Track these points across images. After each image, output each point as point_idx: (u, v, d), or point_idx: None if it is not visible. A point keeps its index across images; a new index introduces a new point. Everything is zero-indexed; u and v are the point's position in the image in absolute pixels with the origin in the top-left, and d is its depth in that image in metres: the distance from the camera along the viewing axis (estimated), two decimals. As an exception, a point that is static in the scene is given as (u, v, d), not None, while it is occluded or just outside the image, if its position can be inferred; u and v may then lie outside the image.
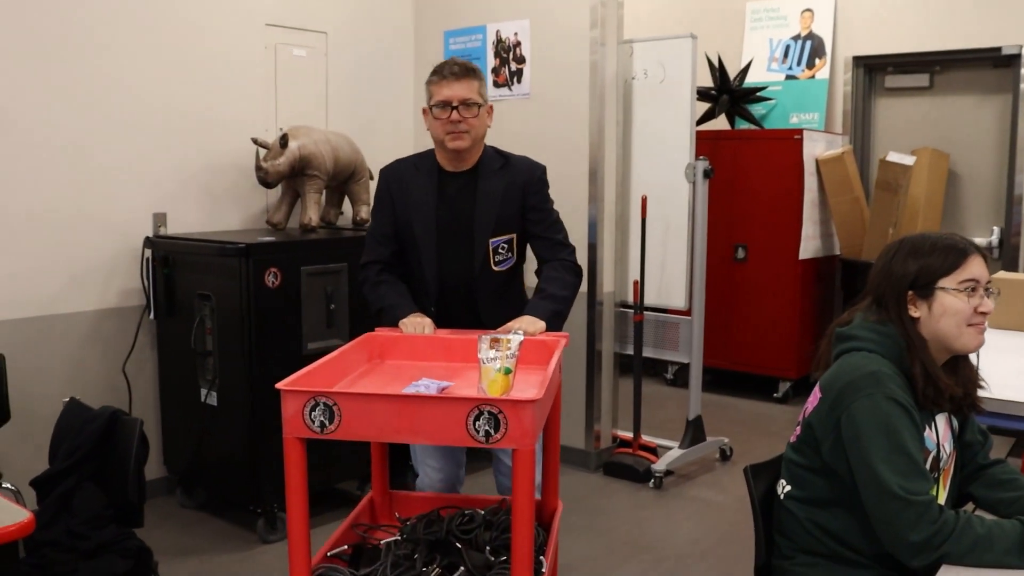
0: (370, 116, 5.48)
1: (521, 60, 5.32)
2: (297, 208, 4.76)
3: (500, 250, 3.09)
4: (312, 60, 5.20)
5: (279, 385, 2.16)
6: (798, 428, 2.21)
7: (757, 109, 7.24)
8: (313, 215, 4.61)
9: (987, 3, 6.51)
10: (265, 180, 4.51)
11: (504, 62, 5.41)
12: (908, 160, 6.23)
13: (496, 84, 5.39)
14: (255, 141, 4.54)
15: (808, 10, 7.28)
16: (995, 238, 6.67)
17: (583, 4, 5.01)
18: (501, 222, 3.07)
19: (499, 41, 5.41)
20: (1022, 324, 3.58)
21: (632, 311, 5.14)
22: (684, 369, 5.84)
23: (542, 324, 2.87)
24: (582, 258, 4.94)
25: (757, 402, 6.64)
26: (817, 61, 7.21)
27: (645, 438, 5.22)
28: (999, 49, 6.47)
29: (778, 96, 7.26)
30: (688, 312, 5.12)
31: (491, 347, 2.29)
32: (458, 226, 3.06)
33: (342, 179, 4.89)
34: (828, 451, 2.08)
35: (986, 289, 2.09)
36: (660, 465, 4.93)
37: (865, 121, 7.27)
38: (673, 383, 7.06)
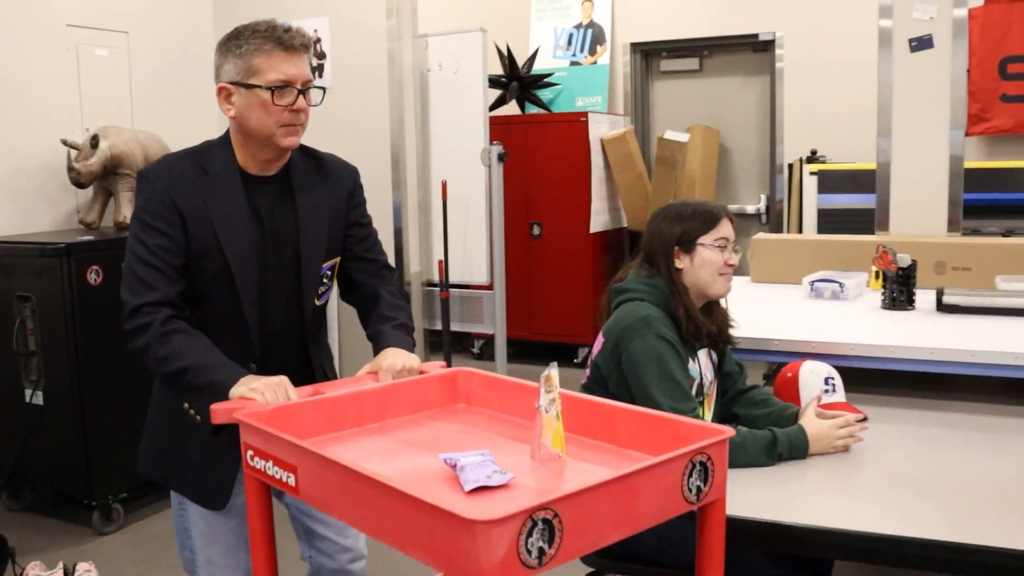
0: (175, 115, 5.60)
1: (322, 56, 5.57)
2: (110, 207, 4.86)
3: (324, 279, 2.40)
4: (115, 60, 5.29)
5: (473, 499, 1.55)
6: (588, 370, 2.62)
7: (545, 94, 7.71)
8: (127, 213, 4.74)
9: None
10: (78, 181, 4.61)
11: (304, 57, 5.64)
12: (683, 137, 6.82)
13: (297, 79, 5.63)
14: (65, 142, 4.64)
15: (588, 0, 7.79)
16: (762, 205, 7.39)
17: (379, 1, 5.30)
18: (331, 244, 2.38)
19: (299, 37, 5.64)
20: (779, 278, 4.11)
21: (438, 288, 5.50)
22: (490, 342, 6.23)
23: (417, 358, 2.28)
24: (389, 242, 5.29)
25: (560, 369, 7.07)
26: (598, 48, 7.74)
27: (459, 407, 5.58)
28: (757, 35, 7.18)
29: (564, 81, 7.76)
30: (490, 286, 5.52)
31: (546, 388, 1.76)
32: (280, 251, 2.31)
33: (153, 176, 5.02)
34: (613, 385, 2.48)
35: (733, 246, 2.55)
36: (474, 429, 5.30)
37: (644, 102, 7.87)
38: (480, 356, 7.46)
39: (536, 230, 7.14)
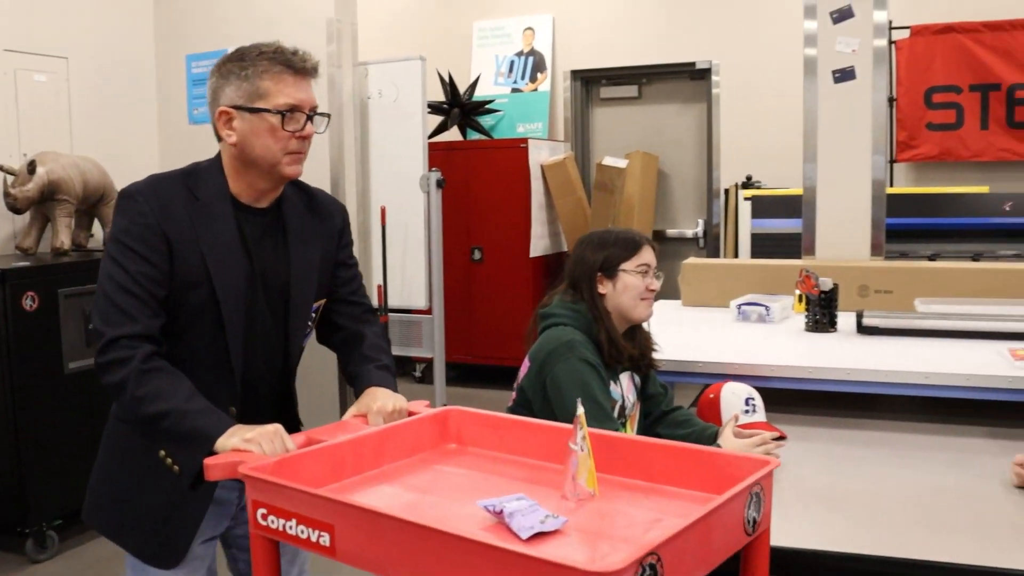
0: (115, 140, 5.60)
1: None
2: (47, 233, 4.86)
3: (310, 322, 2.28)
4: (53, 85, 5.28)
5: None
6: (514, 394, 2.68)
7: (487, 120, 7.80)
8: (65, 239, 4.74)
9: (683, 24, 7.37)
10: (15, 207, 4.60)
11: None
12: (621, 163, 6.94)
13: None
14: (1, 168, 4.63)
15: (530, 28, 7.91)
16: (700, 229, 7.52)
17: (319, 29, 5.36)
18: (320, 284, 2.26)
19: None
20: (709, 302, 4.21)
21: (379, 313, 5.54)
22: (431, 366, 6.28)
23: (403, 398, 2.14)
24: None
25: (499, 391, 7.11)
26: (539, 75, 7.85)
27: (399, 430, 5.61)
28: (694, 64, 7.33)
29: (505, 108, 7.85)
30: (429, 311, 5.57)
31: (579, 426, 1.68)
32: (269, 289, 2.16)
33: (91, 203, 5.02)
34: (538, 408, 2.55)
35: (655, 272, 2.64)
36: (414, 453, 5.34)
37: (584, 128, 7.99)
38: (421, 380, 7.50)
39: (477, 254, 7.21)
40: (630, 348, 2.62)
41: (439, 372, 5.59)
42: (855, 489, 2.44)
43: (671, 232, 7.69)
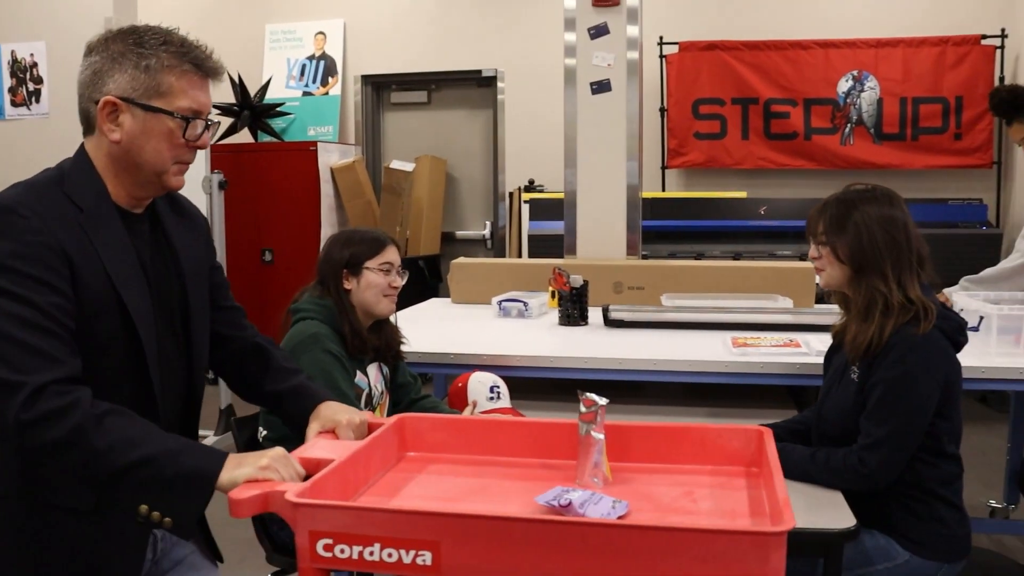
0: None
1: (39, 80, 5.52)
2: None
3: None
4: None
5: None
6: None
7: (278, 123, 7.85)
8: None
9: (471, 33, 7.65)
10: None
11: (21, 82, 5.58)
12: (408, 166, 7.13)
13: (14, 104, 5.56)
14: None
15: (321, 33, 7.99)
16: (487, 231, 7.80)
17: (98, 30, 5.30)
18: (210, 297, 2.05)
19: (15, 61, 5.58)
20: (476, 299, 4.42)
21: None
22: (220, 366, 6.30)
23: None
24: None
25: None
26: (330, 79, 7.95)
27: (184, 431, 5.64)
28: (480, 71, 7.61)
29: (296, 111, 7.92)
30: (215, 311, 5.62)
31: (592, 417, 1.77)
32: (169, 310, 1.89)
33: None
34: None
35: (397, 271, 2.82)
36: (198, 453, 5.38)
37: (374, 133, 8.15)
38: (214, 382, 7.47)
39: (268, 256, 7.25)
40: (375, 340, 2.80)
41: (224, 372, 5.65)
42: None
43: (460, 234, 7.93)
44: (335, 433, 1.92)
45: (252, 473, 1.60)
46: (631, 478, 1.84)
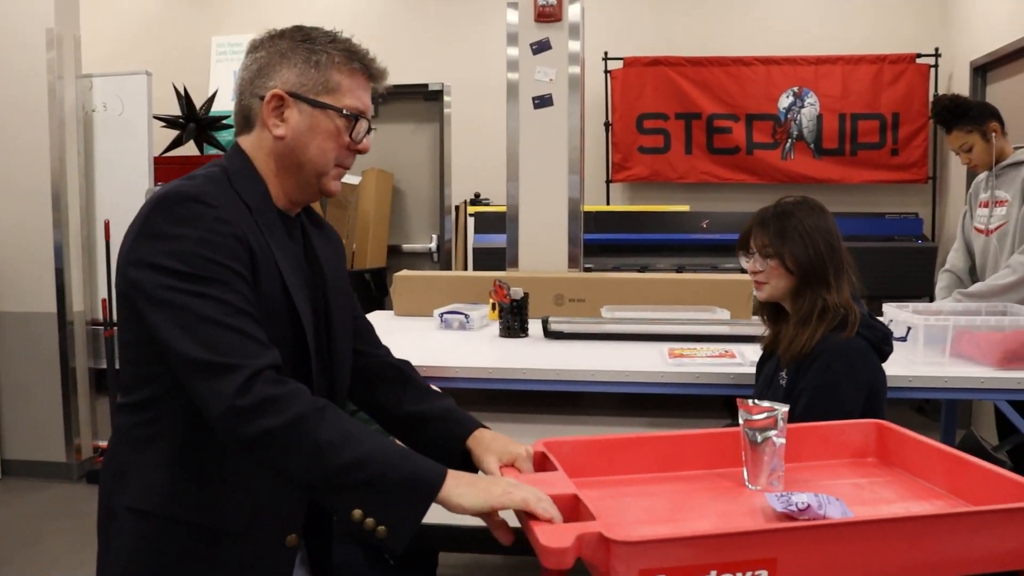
0: None
1: (-23, 91, 5.47)
2: None
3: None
4: None
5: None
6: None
7: (224, 136, 7.81)
8: None
9: (417, 47, 7.73)
10: None
11: (-40, 93, 5.52)
12: (354, 179, 7.15)
13: (-49, 115, 5.50)
14: None
15: (267, 45, 7.97)
16: (434, 244, 7.83)
17: (39, 39, 5.29)
18: None
19: (-47, 73, 5.52)
20: (418, 311, 4.43)
21: (103, 327, 5.51)
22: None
23: None
24: (50, 281, 5.28)
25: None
26: (277, 92, 7.93)
27: (126, 445, 5.59)
28: (427, 85, 7.64)
29: (243, 124, 7.89)
30: (157, 324, 5.59)
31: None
32: (321, 313, 1.82)
33: None
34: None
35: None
36: (140, 466, 5.34)
37: (322, 146, 8.14)
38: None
39: (214, 269, 7.22)
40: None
41: (167, 385, 5.62)
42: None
43: (407, 247, 7.95)
44: (516, 467, 1.75)
45: (517, 503, 1.48)
46: (794, 478, 1.87)
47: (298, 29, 1.74)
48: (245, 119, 1.73)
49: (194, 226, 1.54)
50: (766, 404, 1.80)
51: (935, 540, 1.47)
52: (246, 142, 1.74)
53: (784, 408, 1.80)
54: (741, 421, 1.83)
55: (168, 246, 1.53)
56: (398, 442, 1.62)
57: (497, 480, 1.57)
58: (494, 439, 1.82)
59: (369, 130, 1.77)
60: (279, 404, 1.46)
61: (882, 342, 2.53)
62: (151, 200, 1.59)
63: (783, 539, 1.41)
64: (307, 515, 1.75)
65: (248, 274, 1.57)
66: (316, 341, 1.75)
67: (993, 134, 3.95)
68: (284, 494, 1.67)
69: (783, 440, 1.80)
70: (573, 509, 1.55)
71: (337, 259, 1.93)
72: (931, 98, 6.89)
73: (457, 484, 1.49)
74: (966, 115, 3.99)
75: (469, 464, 1.80)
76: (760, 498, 1.76)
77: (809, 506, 1.58)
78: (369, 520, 1.46)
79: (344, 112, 1.71)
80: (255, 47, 1.74)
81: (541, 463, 1.78)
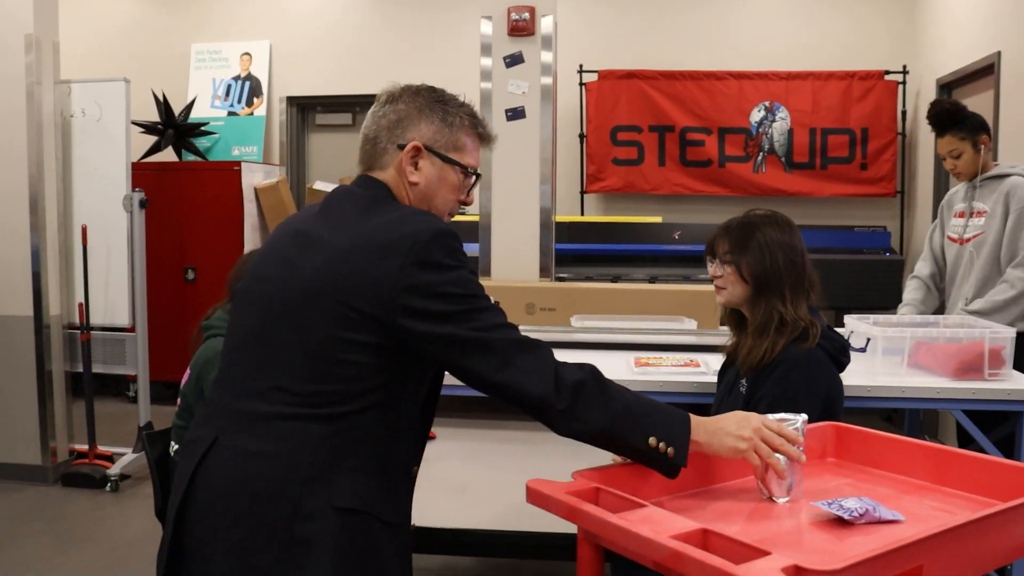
0: None
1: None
2: None
3: None
4: None
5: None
6: (179, 399, 2.89)
7: (202, 142, 7.88)
8: None
9: (393, 57, 7.81)
10: None
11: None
12: (330, 186, 7.18)
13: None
14: None
15: (247, 53, 8.05)
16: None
17: (18, 44, 5.32)
18: None
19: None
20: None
21: (79, 331, 5.55)
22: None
23: None
24: (27, 285, 5.32)
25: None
26: (255, 100, 8.01)
27: (102, 448, 5.63)
28: (404, 94, 7.71)
29: (221, 131, 7.97)
30: (133, 329, 5.63)
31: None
32: None
33: None
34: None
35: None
36: (115, 470, 5.38)
37: (300, 153, 8.23)
38: (134, 400, 7.43)
39: (191, 274, 7.27)
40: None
41: (143, 390, 5.66)
42: (486, 478, 2.80)
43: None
44: None
45: (763, 446, 1.78)
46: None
47: (432, 90, 1.98)
48: (376, 159, 1.95)
49: (459, 259, 1.80)
50: (784, 415, 1.86)
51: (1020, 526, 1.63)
52: (384, 178, 1.93)
53: (803, 417, 1.86)
54: None
55: (452, 276, 1.77)
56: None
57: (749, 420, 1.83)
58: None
59: (472, 187, 2.00)
60: (589, 392, 1.79)
61: (840, 353, 2.61)
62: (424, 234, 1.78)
63: (931, 545, 1.45)
64: None
65: None
66: None
67: (982, 146, 4.04)
68: (413, 447, 1.93)
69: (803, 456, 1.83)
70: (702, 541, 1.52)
71: None
72: (899, 114, 7.02)
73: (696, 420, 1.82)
74: (963, 122, 4.06)
75: None
76: (786, 508, 1.80)
77: (867, 511, 1.64)
78: (661, 444, 1.76)
79: (468, 169, 1.96)
80: (393, 98, 1.98)
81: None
